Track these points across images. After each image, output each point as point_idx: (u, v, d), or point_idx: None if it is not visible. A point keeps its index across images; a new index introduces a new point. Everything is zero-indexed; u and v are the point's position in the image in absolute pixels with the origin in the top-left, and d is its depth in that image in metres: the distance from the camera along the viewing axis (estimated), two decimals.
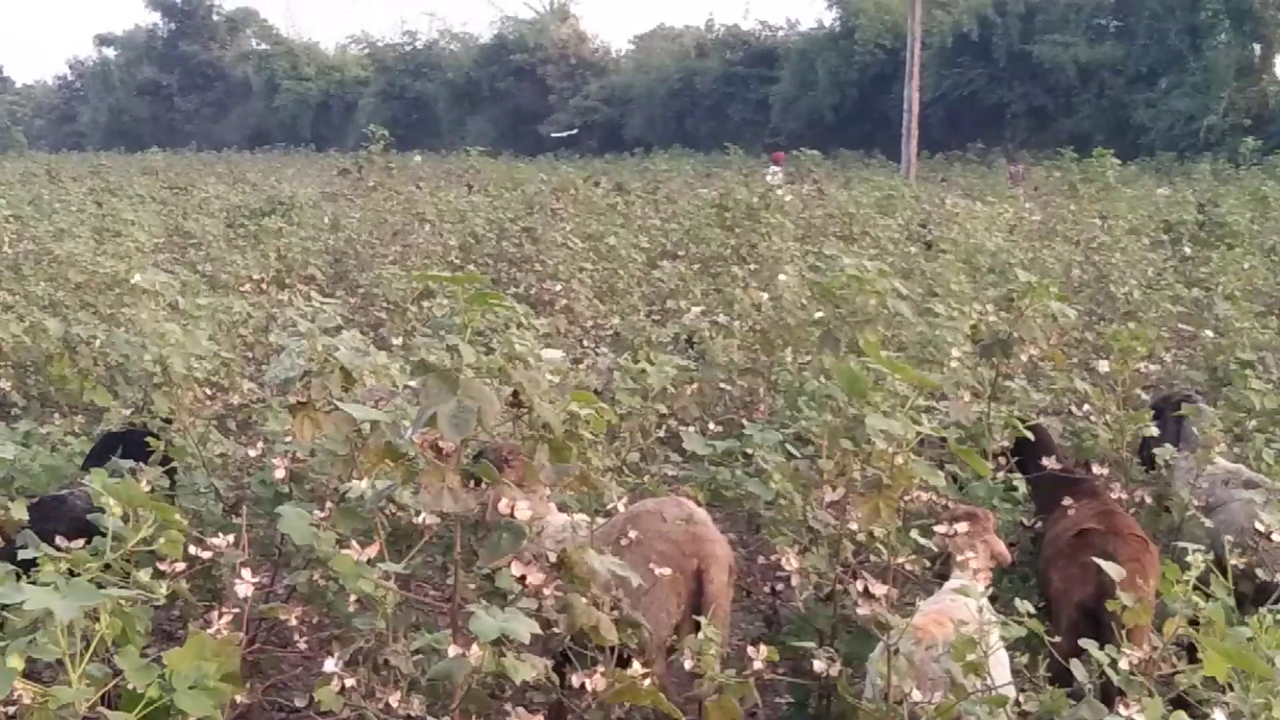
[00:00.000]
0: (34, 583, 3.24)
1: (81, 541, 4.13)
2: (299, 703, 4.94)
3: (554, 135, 62.32)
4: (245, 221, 17.17)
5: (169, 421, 6.23)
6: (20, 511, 5.58)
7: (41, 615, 2.85)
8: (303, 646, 4.53)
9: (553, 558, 3.48)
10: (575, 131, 62.76)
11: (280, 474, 4.68)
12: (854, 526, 4.91)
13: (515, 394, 3.50)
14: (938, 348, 7.23)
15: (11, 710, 3.13)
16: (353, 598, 4.49)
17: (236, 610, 4.06)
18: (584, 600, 3.45)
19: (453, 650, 3.23)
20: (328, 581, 4.73)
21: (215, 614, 3.96)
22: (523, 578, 3.42)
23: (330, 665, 3.79)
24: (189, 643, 3.04)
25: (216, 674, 3.02)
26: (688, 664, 3.98)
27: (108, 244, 13.03)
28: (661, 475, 6.76)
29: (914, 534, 4.64)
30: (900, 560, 4.71)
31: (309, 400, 4.63)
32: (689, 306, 10.63)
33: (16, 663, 2.82)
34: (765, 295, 9.20)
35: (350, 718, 4.11)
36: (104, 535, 4.29)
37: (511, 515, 3.38)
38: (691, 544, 4.99)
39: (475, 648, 3.17)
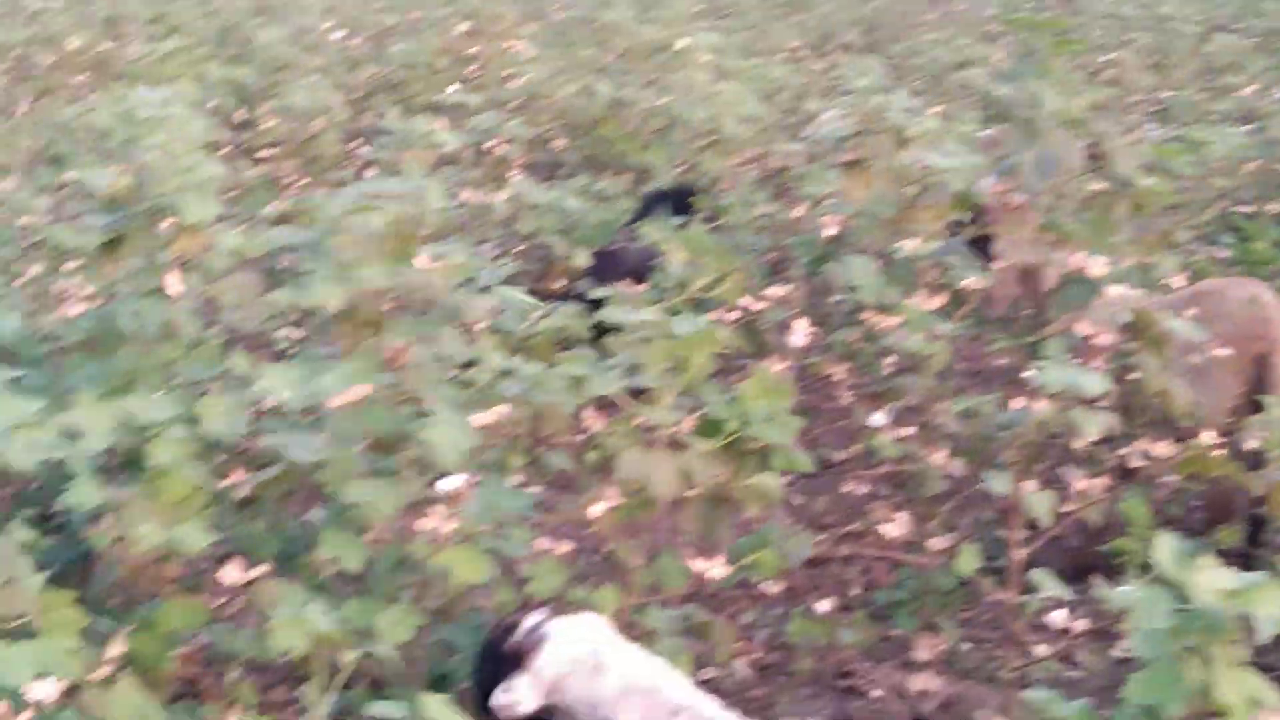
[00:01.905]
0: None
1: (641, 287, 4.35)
2: (837, 456, 5.07)
3: None
4: None
5: (713, 181, 6.39)
6: (583, 258, 5.96)
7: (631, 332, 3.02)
8: (844, 401, 4.61)
9: (1123, 317, 3.33)
10: None
11: (832, 231, 4.71)
12: None
13: (1093, 145, 3.33)
14: None
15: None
16: (887, 360, 4.51)
17: (788, 362, 4.15)
18: (1157, 363, 3.30)
19: (1016, 404, 3.20)
20: (867, 343, 4.76)
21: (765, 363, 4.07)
22: (1090, 336, 3.30)
23: (879, 419, 3.84)
24: (755, 378, 3.13)
25: (781, 409, 3.12)
26: (1250, 443, 3.75)
27: (650, 10, 13.37)
28: (1211, 257, 6.37)
29: None
30: None
31: (860, 159, 4.61)
32: (1247, 82, 9.84)
33: (606, 388, 3.01)
34: None
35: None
36: (656, 285, 4.50)
37: (1082, 271, 3.26)
38: (1256, 327, 4.69)
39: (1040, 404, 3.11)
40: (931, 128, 4.99)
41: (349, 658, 2.50)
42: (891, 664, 4.19)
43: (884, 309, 4.05)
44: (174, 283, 3.47)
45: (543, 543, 3.33)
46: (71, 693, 2.36)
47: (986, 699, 4.04)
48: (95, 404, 2.66)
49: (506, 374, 3.39)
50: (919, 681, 3.85)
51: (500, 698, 2.76)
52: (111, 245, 3.54)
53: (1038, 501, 3.36)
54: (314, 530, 3.14)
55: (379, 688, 2.90)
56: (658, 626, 3.26)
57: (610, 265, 5.79)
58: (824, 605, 3.98)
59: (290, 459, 2.90)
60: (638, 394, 3.32)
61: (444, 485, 2.89)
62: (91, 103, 7.66)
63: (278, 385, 2.85)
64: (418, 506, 3.03)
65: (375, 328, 3.07)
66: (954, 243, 4.25)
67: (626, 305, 3.60)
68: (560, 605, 2.93)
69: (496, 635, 2.82)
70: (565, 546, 3.39)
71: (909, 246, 4.41)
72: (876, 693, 4.13)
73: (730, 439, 3.05)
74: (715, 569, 3.18)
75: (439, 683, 3.05)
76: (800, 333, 3.92)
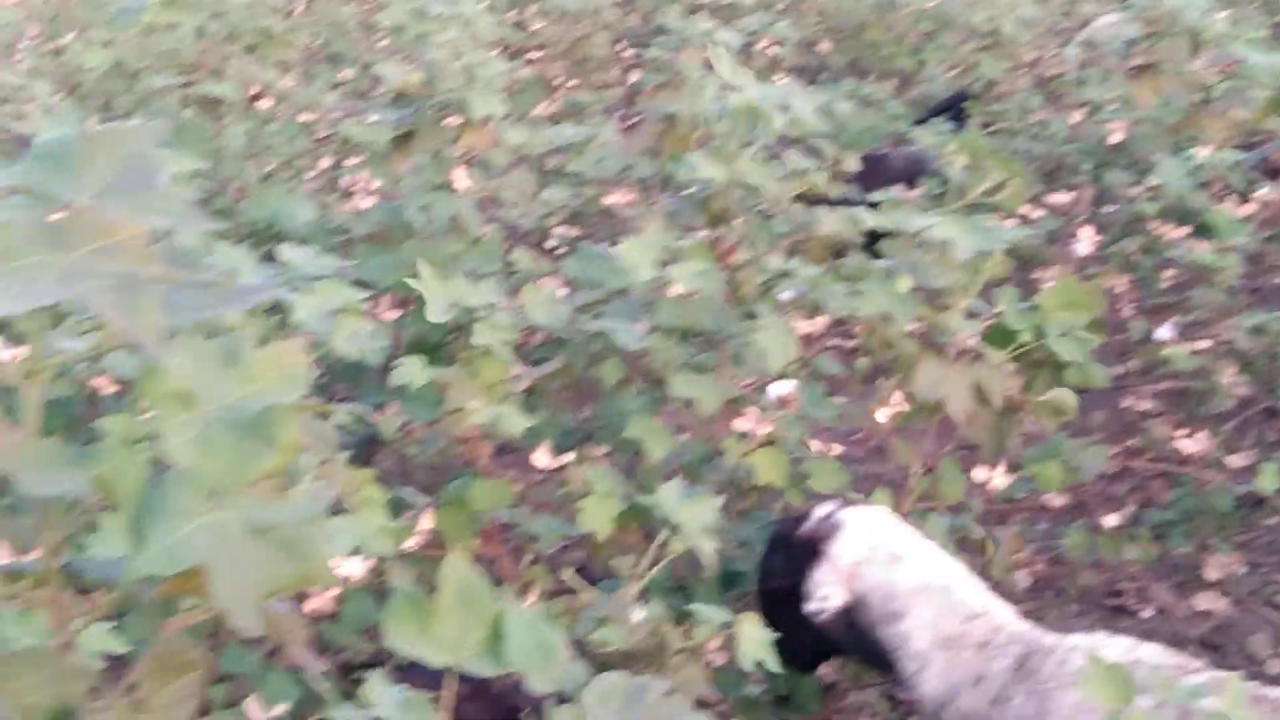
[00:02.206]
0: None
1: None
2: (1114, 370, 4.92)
3: None
4: None
5: (988, 86, 6.22)
6: (852, 163, 5.87)
7: (939, 245, 2.97)
8: (1124, 314, 4.48)
9: None
10: None
11: (1117, 138, 4.54)
12: None
13: None
14: None
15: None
16: (1166, 274, 4.35)
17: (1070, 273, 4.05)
18: None
19: None
20: (1145, 255, 4.59)
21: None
22: None
23: (1165, 333, 3.71)
24: (1058, 285, 3.05)
25: (1080, 323, 3.03)
26: None
27: None
28: None
29: None
30: None
31: (1151, 63, 4.42)
32: None
33: (903, 284, 2.98)
34: None
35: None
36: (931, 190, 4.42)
37: None
38: None
39: None
40: (1222, 31, 4.75)
41: (660, 543, 2.53)
42: (1167, 584, 4.07)
43: (1175, 218, 3.89)
44: (461, 178, 3.57)
45: (816, 445, 3.33)
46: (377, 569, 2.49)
47: (1260, 625, 3.89)
48: (435, 281, 2.75)
49: (784, 275, 3.38)
50: (1203, 601, 3.72)
51: (810, 604, 2.68)
52: (401, 140, 3.66)
53: None
54: (604, 421, 3.21)
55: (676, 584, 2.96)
56: (934, 533, 3.22)
57: (879, 170, 5.70)
58: (1110, 520, 3.87)
59: (619, 344, 2.95)
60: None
61: (774, 389, 2.89)
62: (374, 3, 7.86)
63: (635, 261, 2.89)
64: (731, 405, 3.06)
65: (719, 220, 3.10)
66: (1251, 155, 4.05)
67: (902, 210, 3.54)
68: (848, 499, 2.88)
69: (787, 525, 2.76)
70: (838, 449, 3.38)
71: (1200, 155, 4.23)
72: (1147, 613, 4.02)
73: (1021, 349, 2.98)
74: (996, 478, 3.13)
75: (729, 580, 3.08)
76: (1086, 241, 3.80)
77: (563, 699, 1.47)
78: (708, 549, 2.53)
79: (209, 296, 1.11)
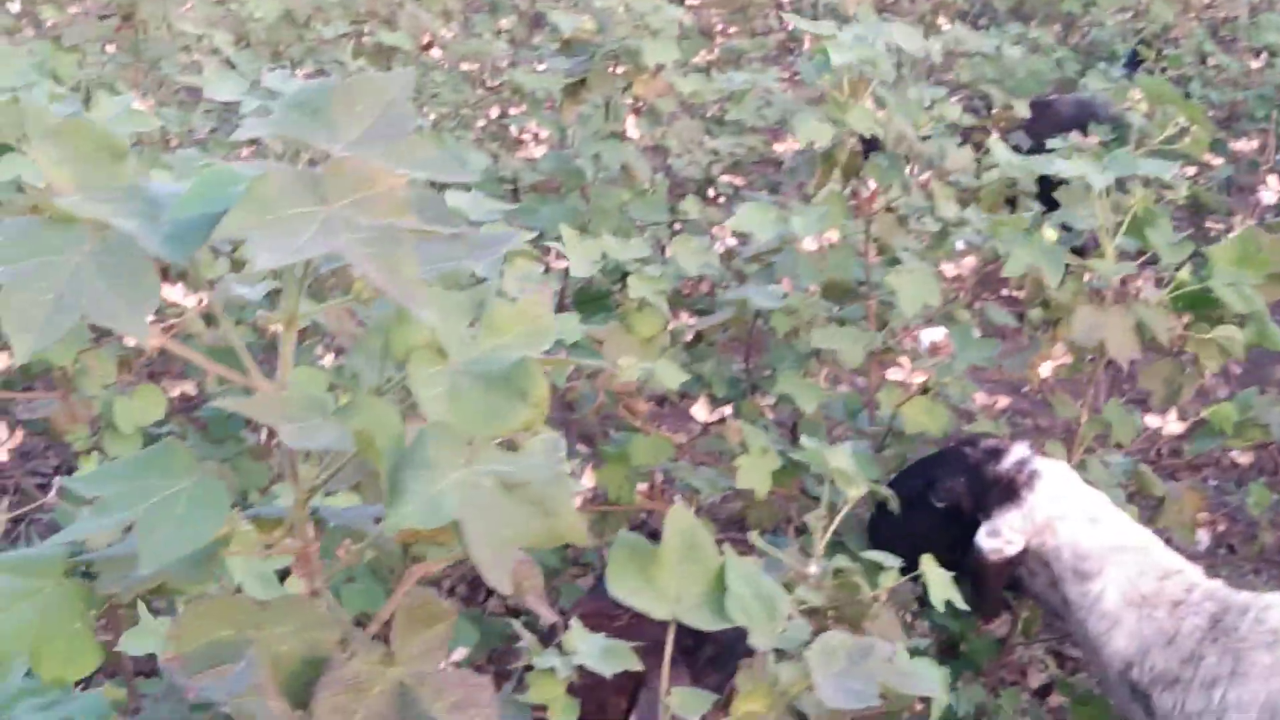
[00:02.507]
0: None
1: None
2: None
3: None
4: None
5: (1162, 31, 6.03)
6: (1023, 110, 5.74)
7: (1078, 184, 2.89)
8: None
9: None
10: None
11: None
12: None
13: None
14: None
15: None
16: None
17: (1250, 222, 3.90)
18: None
19: None
20: None
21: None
22: None
23: None
24: (1238, 235, 2.94)
25: (1257, 275, 2.93)
26: None
27: None
28: None
29: None
30: None
31: None
32: None
33: (1051, 234, 2.89)
34: None
35: None
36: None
37: None
38: None
39: None
40: None
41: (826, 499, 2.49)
42: None
43: None
44: (632, 126, 3.55)
45: (981, 397, 3.26)
46: None
47: None
48: (576, 240, 2.74)
49: (960, 224, 3.31)
50: None
51: (988, 540, 2.63)
52: (572, 89, 3.64)
53: None
54: (770, 372, 3.18)
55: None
56: (1105, 479, 3.12)
57: (1046, 117, 5.57)
58: None
59: (754, 302, 2.93)
60: (1080, 251, 3.18)
61: (926, 336, 2.85)
62: None
63: (753, 224, 2.86)
64: (878, 355, 3.01)
65: (850, 171, 3.04)
66: None
67: (1075, 157, 3.45)
68: (1037, 445, 2.80)
69: (979, 457, 2.68)
70: (1003, 400, 3.30)
71: None
72: None
73: (1187, 294, 2.88)
74: (1170, 424, 3.03)
75: None
76: (1273, 190, 3.65)
77: (781, 655, 1.46)
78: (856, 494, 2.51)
79: (458, 247, 1.11)
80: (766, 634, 1.46)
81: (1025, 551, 2.63)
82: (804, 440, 2.34)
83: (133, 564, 1.02)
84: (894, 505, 2.61)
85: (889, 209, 3.11)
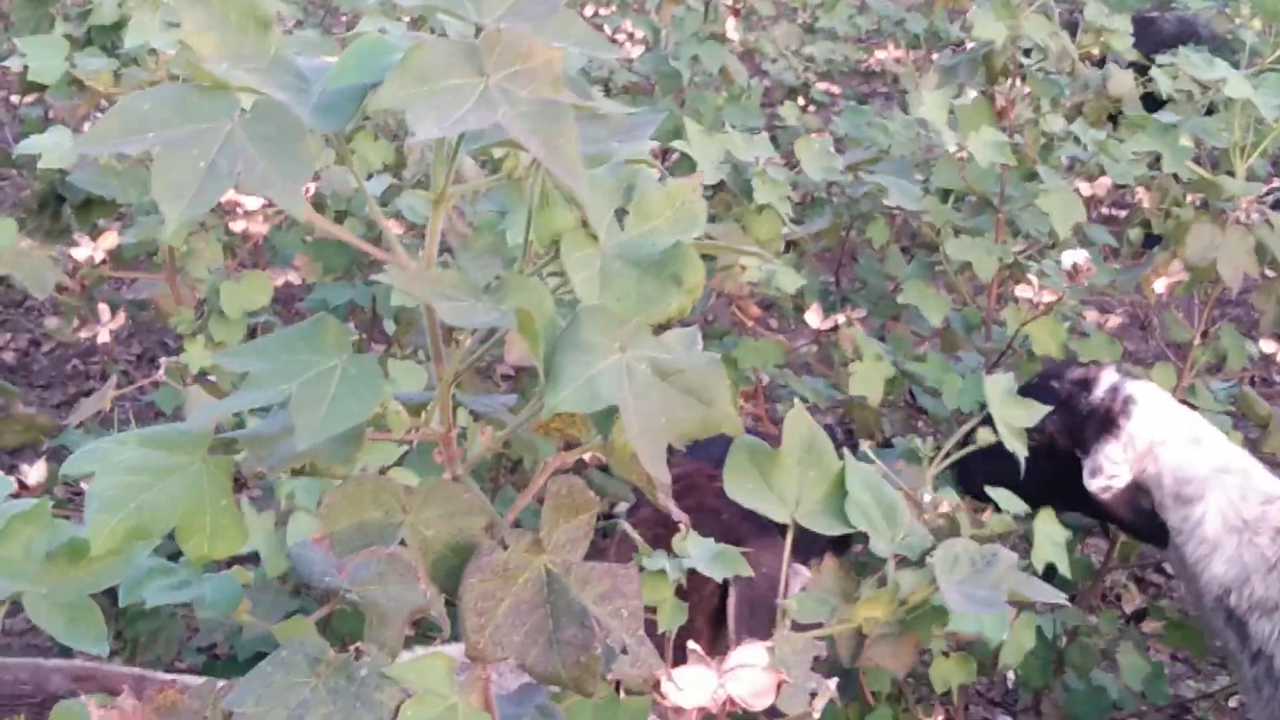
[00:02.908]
0: None
1: None
2: None
3: None
4: None
5: None
6: (1124, 24, 5.59)
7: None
8: None
9: None
10: None
11: None
12: None
13: None
14: None
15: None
16: None
17: None
18: None
19: None
20: None
21: None
22: None
23: None
24: None
25: None
26: None
27: None
28: None
29: None
30: None
31: None
32: None
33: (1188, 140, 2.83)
34: None
35: None
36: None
37: None
38: None
39: None
40: None
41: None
42: None
43: None
44: (733, 29, 3.49)
45: (1092, 315, 3.20)
46: None
47: None
48: (703, 136, 2.69)
49: (1069, 137, 3.23)
50: None
51: (1093, 482, 2.56)
52: None
53: None
54: (863, 284, 3.14)
55: None
56: (1210, 405, 3.06)
57: (1147, 34, 5.43)
58: None
59: (895, 203, 2.88)
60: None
61: (1069, 257, 2.77)
62: None
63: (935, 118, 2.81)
64: (1010, 272, 2.97)
65: (998, 78, 2.98)
66: None
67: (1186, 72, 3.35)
68: (1123, 368, 2.74)
69: (1069, 389, 2.61)
70: (1115, 321, 3.23)
71: None
72: None
73: None
74: None
75: None
76: None
77: (903, 562, 1.43)
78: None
79: (604, 128, 1.07)
80: (886, 540, 1.43)
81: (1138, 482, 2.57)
82: (930, 356, 2.30)
83: (276, 442, 1.01)
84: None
85: (1031, 123, 3.04)
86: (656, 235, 1.04)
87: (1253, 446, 3.08)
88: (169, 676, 1.75)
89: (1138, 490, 2.58)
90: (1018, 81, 3.25)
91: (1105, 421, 2.53)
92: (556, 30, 0.99)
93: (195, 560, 0.97)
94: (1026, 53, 3.30)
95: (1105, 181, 3.11)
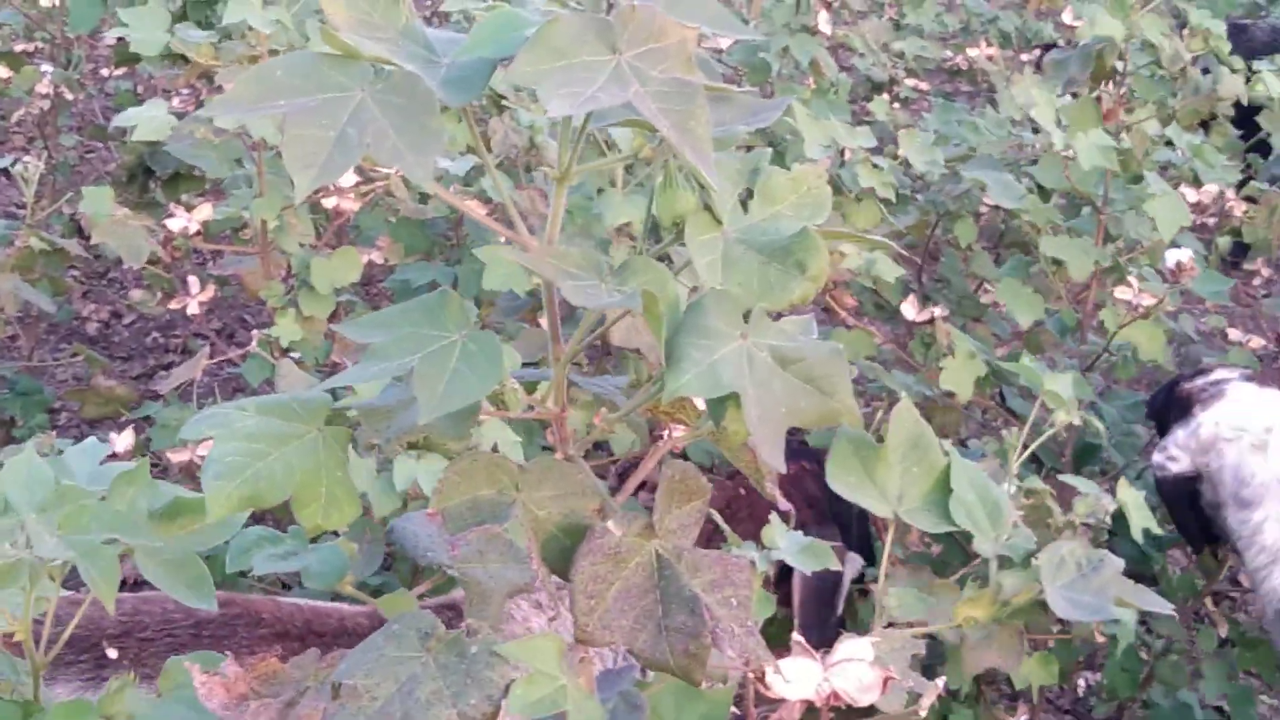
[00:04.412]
0: None
1: None
2: None
3: None
4: None
5: None
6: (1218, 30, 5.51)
7: None
8: None
9: None
10: None
11: None
12: None
13: None
14: None
15: None
16: None
17: None
18: None
19: None
20: None
21: None
22: None
23: None
24: None
25: None
26: None
27: None
28: None
29: None
30: None
31: None
32: None
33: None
34: None
35: None
36: None
37: None
38: None
39: None
40: None
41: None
42: None
43: None
44: (824, 21, 3.46)
45: (1234, 334, 3.15)
46: None
47: None
48: (810, 120, 2.66)
49: (1161, 142, 3.18)
50: None
51: (1155, 455, 2.55)
52: None
53: None
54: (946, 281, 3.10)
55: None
56: None
57: (1240, 41, 5.34)
58: None
59: (991, 202, 2.85)
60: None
61: (1172, 256, 2.72)
62: None
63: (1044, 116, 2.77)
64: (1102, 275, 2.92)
65: (1107, 77, 2.94)
66: None
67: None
68: (1259, 375, 2.69)
69: (1184, 376, 2.61)
70: (1257, 342, 3.18)
71: None
72: None
73: None
74: None
75: (1085, 455, 2.96)
76: None
77: (1004, 562, 1.41)
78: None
79: (734, 111, 1.06)
80: (990, 540, 1.41)
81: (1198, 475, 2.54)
82: (1024, 358, 2.27)
83: (393, 415, 1.01)
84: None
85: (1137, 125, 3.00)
86: (781, 220, 1.02)
87: None
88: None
89: (1199, 485, 2.55)
90: (1123, 82, 3.20)
91: (1184, 406, 2.53)
92: (689, 9, 0.98)
93: (309, 530, 0.97)
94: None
95: (1211, 189, 3.06)
